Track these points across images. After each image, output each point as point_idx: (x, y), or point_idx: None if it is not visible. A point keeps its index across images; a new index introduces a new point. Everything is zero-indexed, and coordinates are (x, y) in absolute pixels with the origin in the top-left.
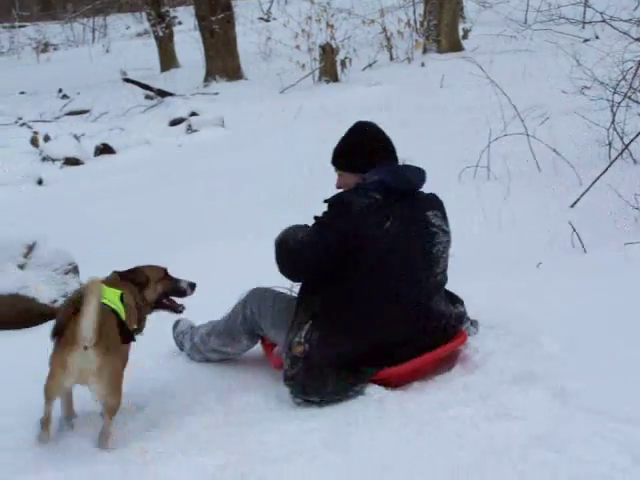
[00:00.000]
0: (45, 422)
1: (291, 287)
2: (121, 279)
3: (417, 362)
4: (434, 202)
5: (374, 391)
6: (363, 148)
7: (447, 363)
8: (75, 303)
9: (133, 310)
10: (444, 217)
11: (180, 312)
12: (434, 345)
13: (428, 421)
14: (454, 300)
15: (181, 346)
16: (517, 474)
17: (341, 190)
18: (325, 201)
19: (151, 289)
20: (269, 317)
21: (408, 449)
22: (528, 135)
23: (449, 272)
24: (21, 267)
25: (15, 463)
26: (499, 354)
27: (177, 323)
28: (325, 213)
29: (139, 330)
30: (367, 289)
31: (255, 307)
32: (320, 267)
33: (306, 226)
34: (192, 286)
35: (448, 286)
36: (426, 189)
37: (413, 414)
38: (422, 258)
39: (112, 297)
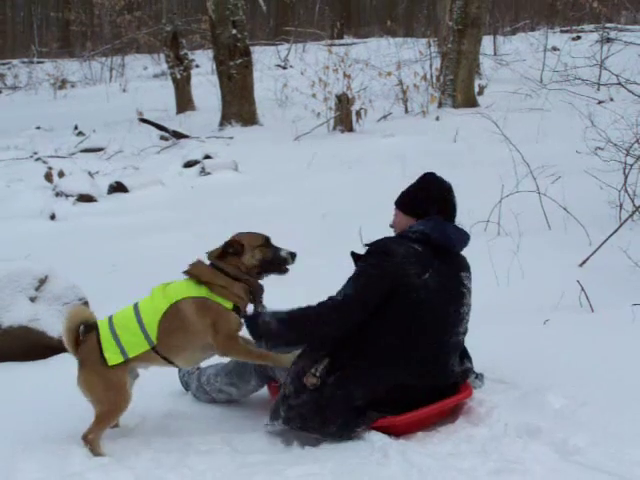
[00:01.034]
0: None
1: None
2: (212, 261)
3: (423, 413)
4: (466, 263)
5: (378, 438)
6: (422, 196)
7: (451, 414)
8: None
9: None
10: (471, 279)
11: (285, 272)
12: (440, 398)
13: (430, 472)
14: (462, 356)
15: (187, 386)
16: None
17: (388, 235)
18: (366, 245)
19: (248, 255)
20: None
21: None
22: (540, 193)
23: None
24: (32, 300)
25: None
26: (504, 407)
27: None
28: (365, 261)
29: (255, 300)
30: (394, 338)
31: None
32: (357, 322)
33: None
34: (293, 255)
35: None
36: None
37: (416, 464)
38: (451, 316)
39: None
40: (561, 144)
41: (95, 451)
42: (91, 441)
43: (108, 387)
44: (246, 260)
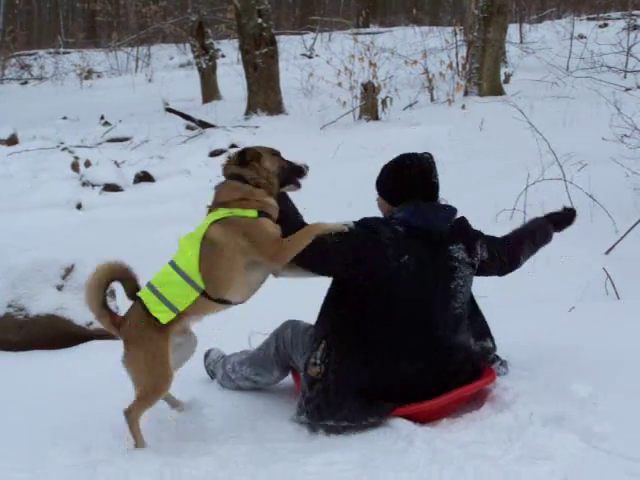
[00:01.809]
0: None
1: None
2: (229, 170)
3: (444, 399)
4: (458, 233)
5: (402, 425)
6: (397, 183)
7: (476, 401)
8: None
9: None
10: (469, 247)
11: (299, 187)
12: (460, 381)
13: (455, 459)
14: (482, 334)
15: (212, 375)
16: None
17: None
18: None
19: (267, 162)
20: (300, 349)
21: None
22: (566, 181)
23: (485, 313)
24: (59, 289)
25: None
26: (528, 395)
27: (208, 352)
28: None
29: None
30: (379, 318)
31: (287, 340)
32: (326, 269)
33: None
34: (306, 167)
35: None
36: None
37: (440, 451)
38: (438, 293)
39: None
40: (587, 132)
41: (132, 428)
42: (132, 420)
43: (152, 359)
44: (266, 166)
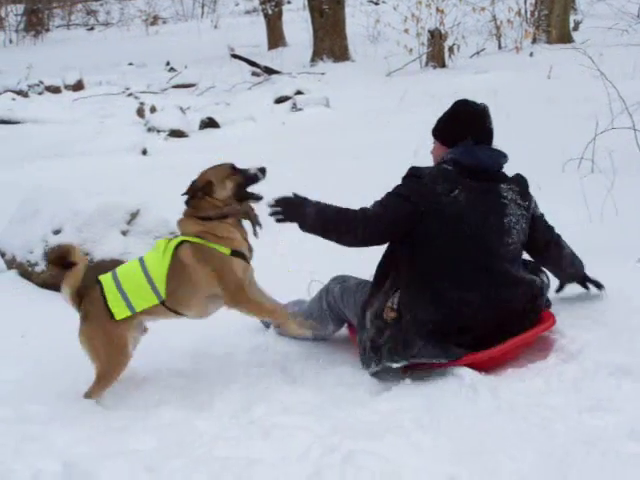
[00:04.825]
0: None
1: (371, 276)
2: (188, 214)
3: (509, 345)
4: (512, 178)
5: (467, 374)
6: (452, 124)
7: (542, 351)
8: None
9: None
10: (523, 194)
11: (260, 199)
12: (523, 324)
13: (520, 408)
14: (536, 270)
15: (267, 324)
16: (606, 466)
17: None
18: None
19: (219, 189)
20: (352, 305)
21: (498, 435)
22: (635, 130)
23: None
24: (124, 234)
25: None
26: (595, 345)
27: None
28: (396, 185)
29: (253, 222)
30: (439, 253)
31: (337, 295)
32: (387, 237)
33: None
34: (262, 170)
35: None
36: (530, 177)
37: (505, 400)
38: (492, 227)
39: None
40: None
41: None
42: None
43: (109, 346)
44: (220, 195)
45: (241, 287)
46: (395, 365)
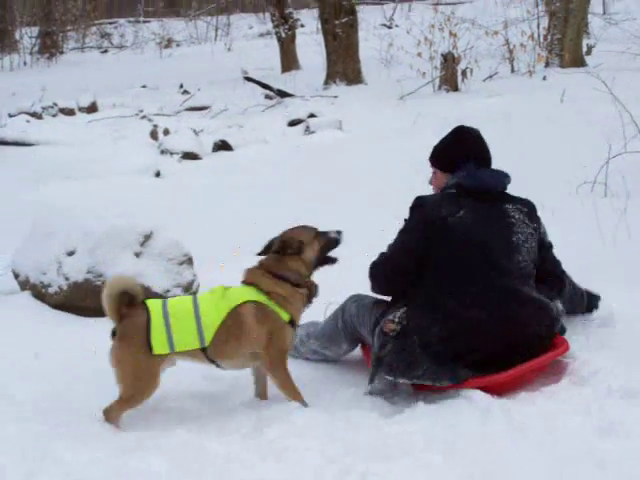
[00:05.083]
0: None
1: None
2: (270, 269)
3: (519, 370)
4: (518, 200)
5: (479, 397)
6: (453, 150)
7: (554, 375)
8: None
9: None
10: (531, 216)
11: (336, 262)
12: (534, 349)
13: (532, 431)
14: (551, 296)
15: None
16: None
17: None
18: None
19: (308, 249)
20: (367, 323)
21: (510, 458)
22: None
23: None
24: (137, 255)
25: None
26: (607, 369)
27: None
28: (405, 220)
29: (310, 301)
30: (448, 272)
31: (354, 314)
32: (405, 272)
33: None
34: (339, 233)
35: None
36: (543, 200)
37: (518, 424)
38: (500, 245)
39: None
40: None
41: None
42: (111, 419)
43: (140, 373)
44: (307, 256)
45: (284, 356)
46: (393, 380)
